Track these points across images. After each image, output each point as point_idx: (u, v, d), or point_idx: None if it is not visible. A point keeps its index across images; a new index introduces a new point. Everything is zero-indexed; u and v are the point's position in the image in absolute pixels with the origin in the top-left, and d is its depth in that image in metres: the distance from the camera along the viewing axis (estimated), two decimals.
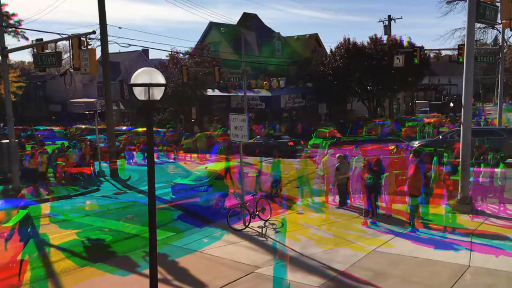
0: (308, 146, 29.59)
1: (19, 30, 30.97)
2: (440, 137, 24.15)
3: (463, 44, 18.13)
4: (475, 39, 26.99)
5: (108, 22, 22.72)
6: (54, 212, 16.11)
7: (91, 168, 23.87)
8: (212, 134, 33.26)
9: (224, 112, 37.56)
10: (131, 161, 27.88)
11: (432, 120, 38.97)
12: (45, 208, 16.73)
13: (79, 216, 15.43)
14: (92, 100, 53.41)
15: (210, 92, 41.56)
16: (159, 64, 42.21)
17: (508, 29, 17.83)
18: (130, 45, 31.14)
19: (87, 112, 27.21)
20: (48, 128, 43.14)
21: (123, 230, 13.63)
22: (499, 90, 31.57)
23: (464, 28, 18.32)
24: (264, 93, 40.69)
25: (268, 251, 11.10)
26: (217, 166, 17.94)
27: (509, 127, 28.84)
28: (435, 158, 15.81)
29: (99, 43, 23.22)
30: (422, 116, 45.19)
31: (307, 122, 38.92)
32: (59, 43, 21.15)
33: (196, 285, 9.38)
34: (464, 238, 11.10)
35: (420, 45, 34.74)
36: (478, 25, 24.38)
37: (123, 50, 59.25)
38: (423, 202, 13.28)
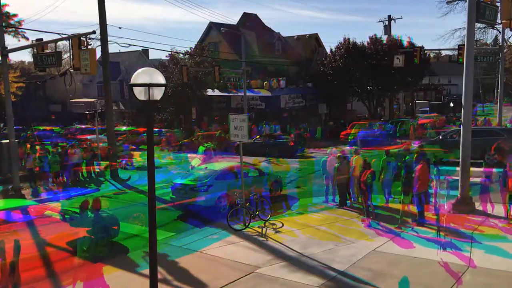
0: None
1: (19, 30, 30.97)
2: (440, 137, 24.12)
3: (463, 44, 18.13)
4: (475, 39, 26.97)
5: (107, 22, 22.71)
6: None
7: (91, 168, 23.87)
8: (212, 134, 33.26)
9: (224, 112, 37.59)
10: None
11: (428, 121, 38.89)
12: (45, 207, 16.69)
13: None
14: (92, 100, 53.34)
15: (210, 92, 41.54)
16: (159, 64, 42.21)
17: (508, 29, 17.81)
18: (130, 45, 30.93)
19: (87, 112, 27.18)
20: (46, 128, 43.10)
21: (123, 230, 13.59)
22: (499, 90, 31.56)
23: (464, 28, 18.30)
24: (264, 93, 40.66)
25: (268, 251, 11.10)
26: (217, 166, 17.90)
27: (508, 127, 28.83)
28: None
29: (99, 43, 23.24)
30: (422, 116, 45.15)
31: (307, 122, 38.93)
32: (59, 43, 21.13)
33: (196, 285, 9.39)
34: (464, 238, 11.10)
35: (420, 45, 34.72)
36: (478, 25, 24.37)
37: (123, 50, 59.26)
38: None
